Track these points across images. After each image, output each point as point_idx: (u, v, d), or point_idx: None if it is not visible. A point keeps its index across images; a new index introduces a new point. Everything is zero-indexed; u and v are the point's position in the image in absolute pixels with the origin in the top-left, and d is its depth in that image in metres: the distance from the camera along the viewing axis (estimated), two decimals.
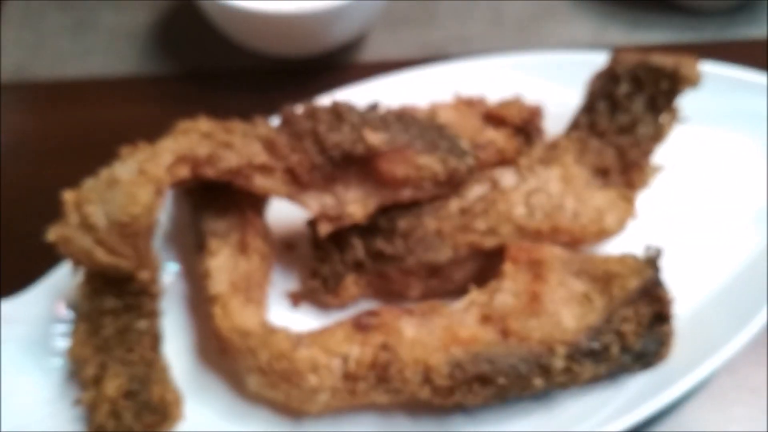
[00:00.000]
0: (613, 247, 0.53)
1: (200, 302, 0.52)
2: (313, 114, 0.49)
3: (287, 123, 0.49)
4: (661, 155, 0.54)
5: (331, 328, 0.48)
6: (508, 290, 0.48)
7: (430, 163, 0.50)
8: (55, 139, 0.68)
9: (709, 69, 0.58)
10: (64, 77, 0.73)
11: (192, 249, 0.53)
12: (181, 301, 0.54)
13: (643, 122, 0.53)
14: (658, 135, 0.53)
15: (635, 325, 0.47)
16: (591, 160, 0.53)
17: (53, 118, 0.70)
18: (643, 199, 0.54)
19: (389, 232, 0.51)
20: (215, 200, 0.52)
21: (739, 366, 0.53)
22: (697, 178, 0.59)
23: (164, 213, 0.54)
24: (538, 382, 0.46)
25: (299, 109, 0.50)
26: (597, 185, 0.53)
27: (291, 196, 0.50)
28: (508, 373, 0.45)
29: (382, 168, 0.49)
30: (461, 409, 0.48)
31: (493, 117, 0.57)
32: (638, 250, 0.49)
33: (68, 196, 0.44)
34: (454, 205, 0.51)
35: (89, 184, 0.44)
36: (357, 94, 0.58)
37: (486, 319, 0.47)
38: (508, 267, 0.49)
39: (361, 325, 0.47)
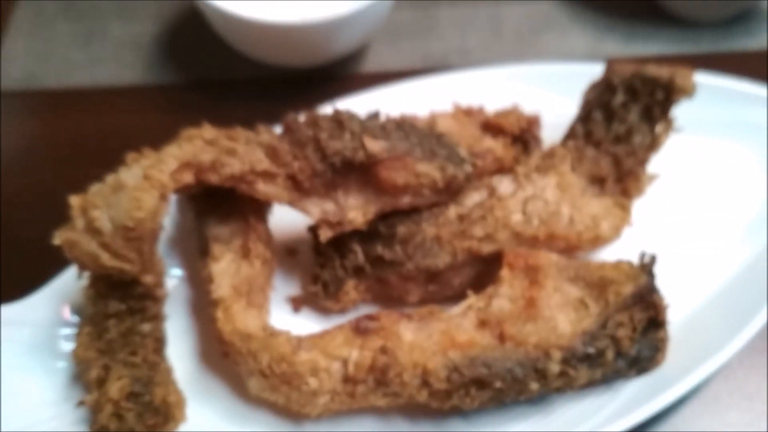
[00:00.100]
0: (608, 254, 0.54)
1: (203, 306, 0.53)
2: (314, 122, 0.50)
3: (289, 131, 0.50)
4: (656, 164, 0.55)
5: (331, 332, 0.48)
6: (504, 295, 0.49)
7: (429, 170, 0.50)
8: (63, 146, 0.69)
9: (704, 80, 0.58)
10: (71, 86, 0.74)
11: (195, 254, 0.54)
12: (185, 305, 0.55)
13: (639, 132, 0.54)
14: (653, 144, 0.54)
15: (630, 330, 0.47)
16: (587, 169, 0.54)
17: (61, 126, 0.71)
18: (638, 207, 0.55)
19: (389, 238, 0.52)
20: (218, 206, 0.53)
21: (735, 372, 0.54)
22: (691, 186, 0.59)
23: (168, 218, 0.55)
24: (534, 386, 0.46)
25: (301, 117, 0.51)
26: (593, 193, 0.54)
27: (292, 203, 0.51)
28: (505, 377, 0.46)
29: (382, 175, 0.50)
30: (459, 412, 0.48)
31: (492, 126, 0.58)
32: (633, 257, 0.49)
33: (74, 200, 0.45)
34: (452, 211, 0.52)
35: (95, 189, 0.45)
36: (358, 104, 0.58)
37: (483, 323, 0.48)
38: (505, 273, 0.50)
39: (360, 329, 0.48)
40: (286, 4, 0.70)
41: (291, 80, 0.73)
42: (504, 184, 0.53)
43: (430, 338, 0.47)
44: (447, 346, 0.46)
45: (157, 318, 0.50)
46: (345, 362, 0.47)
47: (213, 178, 0.49)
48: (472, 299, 0.49)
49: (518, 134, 0.58)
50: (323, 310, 0.55)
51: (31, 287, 0.53)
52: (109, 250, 0.44)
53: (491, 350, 0.46)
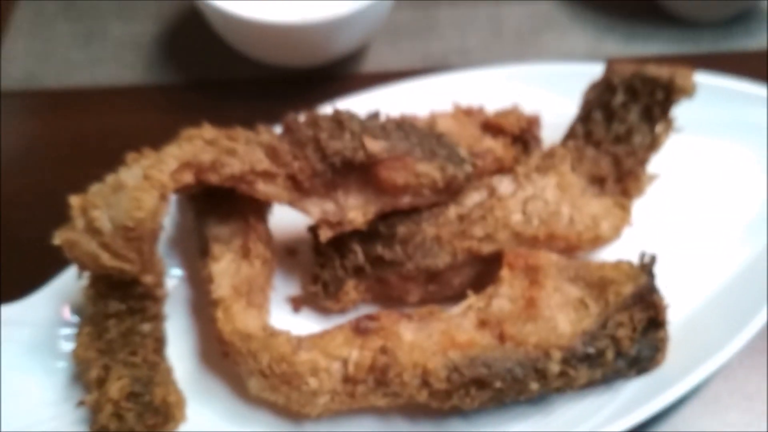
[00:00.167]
0: (608, 254, 0.54)
1: (203, 306, 0.53)
2: (314, 122, 0.50)
3: (289, 131, 0.50)
4: (656, 164, 0.55)
5: (331, 332, 0.48)
6: (504, 295, 0.49)
7: (429, 170, 0.50)
8: (63, 146, 0.70)
9: (704, 80, 0.58)
10: (71, 86, 0.74)
11: (195, 254, 0.54)
12: (185, 305, 0.55)
13: (639, 131, 0.54)
14: (653, 144, 0.54)
15: (630, 330, 0.47)
16: (587, 169, 0.54)
17: (61, 126, 0.71)
18: (638, 207, 0.55)
19: (389, 238, 0.52)
20: (218, 206, 0.53)
21: (735, 372, 0.54)
22: (691, 186, 0.59)
23: (168, 218, 0.55)
24: (534, 386, 0.46)
25: (301, 117, 0.51)
26: (593, 193, 0.54)
27: (292, 203, 0.51)
28: (505, 377, 0.46)
29: (382, 175, 0.50)
30: (459, 412, 0.48)
31: (492, 126, 0.58)
32: (633, 257, 0.49)
33: (74, 200, 0.45)
34: (452, 211, 0.52)
35: (95, 189, 0.45)
36: (358, 104, 0.58)
37: (483, 323, 0.48)
38: (505, 273, 0.50)
39: (360, 329, 0.48)
40: (286, 4, 0.70)
41: (291, 80, 0.73)
42: (504, 184, 0.53)
43: (430, 338, 0.47)
44: (447, 346, 0.47)
45: (157, 318, 0.50)
46: (345, 362, 0.47)
47: (213, 178, 0.49)
48: (472, 299, 0.49)
49: (518, 134, 0.58)
50: (323, 310, 0.55)
51: (31, 287, 0.53)
52: (109, 250, 0.44)
53: (491, 350, 0.46)
